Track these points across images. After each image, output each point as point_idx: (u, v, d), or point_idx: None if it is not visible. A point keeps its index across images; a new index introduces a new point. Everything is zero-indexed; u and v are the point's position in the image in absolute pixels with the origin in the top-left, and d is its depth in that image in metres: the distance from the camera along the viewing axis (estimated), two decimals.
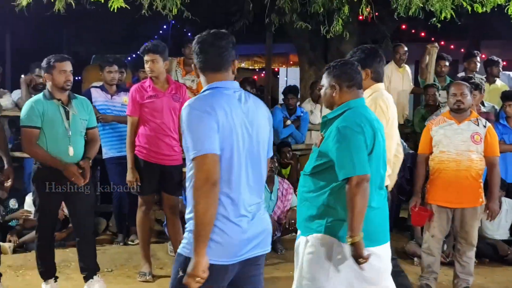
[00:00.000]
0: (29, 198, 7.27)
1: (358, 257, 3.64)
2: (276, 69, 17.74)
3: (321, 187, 3.82)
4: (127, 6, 7.57)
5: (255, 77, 18.54)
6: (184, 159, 6.19)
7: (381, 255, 3.87)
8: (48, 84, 5.48)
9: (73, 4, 7.87)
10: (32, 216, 7.12)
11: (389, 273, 4.00)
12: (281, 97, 15.61)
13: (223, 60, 3.32)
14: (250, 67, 18.29)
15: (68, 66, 5.47)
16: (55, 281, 5.69)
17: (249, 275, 3.40)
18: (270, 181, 7.36)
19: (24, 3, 7.66)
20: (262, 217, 3.38)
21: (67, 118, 5.44)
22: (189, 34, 16.68)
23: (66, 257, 6.39)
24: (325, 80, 3.94)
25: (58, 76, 5.43)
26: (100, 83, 7.79)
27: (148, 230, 6.43)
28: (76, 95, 5.69)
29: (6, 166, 5.65)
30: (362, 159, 3.66)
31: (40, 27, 16.56)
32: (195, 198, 3.08)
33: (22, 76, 7.80)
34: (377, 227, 3.85)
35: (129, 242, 7.42)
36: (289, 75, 17.64)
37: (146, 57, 6.04)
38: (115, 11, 7.54)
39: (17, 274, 6.22)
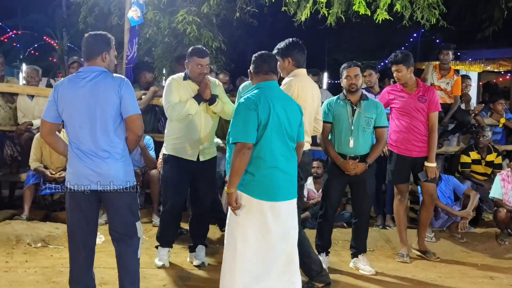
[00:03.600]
0: None
1: (230, 204, 4.08)
2: None
3: None
4: (391, 18, 7.56)
5: (500, 79, 17.46)
6: None
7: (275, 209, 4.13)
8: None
9: (343, 18, 8.04)
10: (304, 200, 7.40)
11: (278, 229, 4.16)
12: None
13: (90, 52, 4.06)
14: (496, 70, 17.23)
15: (354, 71, 5.59)
16: (327, 255, 5.79)
17: (107, 205, 4.12)
18: None
19: (303, 18, 7.99)
20: (105, 162, 4.00)
21: (353, 115, 5.55)
22: (438, 40, 16.18)
23: (334, 236, 6.48)
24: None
25: (344, 80, 5.64)
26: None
27: (404, 216, 6.33)
28: (368, 97, 5.73)
29: None
30: (248, 130, 4.00)
31: (305, 38, 17.11)
32: None
33: None
34: (268, 185, 4.11)
35: (387, 227, 7.36)
36: None
37: (392, 68, 6.09)
38: (380, 22, 7.57)
39: None
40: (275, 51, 4.93)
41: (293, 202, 4.30)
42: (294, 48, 4.93)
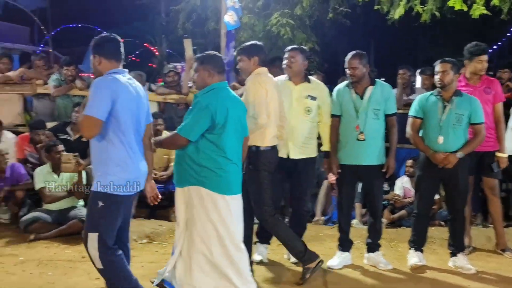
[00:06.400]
0: (399, 182, 7.40)
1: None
2: None
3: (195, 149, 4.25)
4: (488, 13, 7.30)
5: None
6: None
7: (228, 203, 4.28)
8: None
9: (437, 15, 7.84)
10: (401, 199, 7.28)
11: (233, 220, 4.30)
12: None
13: (122, 54, 4.00)
14: None
15: (441, 67, 5.41)
16: (421, 252, 5.66)
17: (129, 206, 4.11)
18: None
19: (396, 16, 7.86)
20: (144, 163, 4.04)
21: (443, 112, 5.39)
22: None
23: (432, 234, 6.33)
24: (198, 67, 4.37)
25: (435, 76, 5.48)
26: None
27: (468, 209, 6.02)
28: (463, 93, 5.50)
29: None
30: (194, 128, 4.15)
31: (398, 35, 16.77)
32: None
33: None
34: (231, 179, 4.29)
35: (489, 225, 7.09)
36: None
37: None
38: (477, 18, 7.34)
39: (391, 245, 6.35)
40: (238, 50, 5.09)
41: None
42: (260, 47, 5.04)
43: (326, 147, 5.49)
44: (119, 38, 4.06)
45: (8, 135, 7.51)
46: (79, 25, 20.85)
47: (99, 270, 3.95)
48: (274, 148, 4.97)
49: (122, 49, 4.04)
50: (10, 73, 8.03)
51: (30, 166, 7.23)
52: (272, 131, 4.89)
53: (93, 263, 3.93)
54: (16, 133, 7.70)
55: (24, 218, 6.41)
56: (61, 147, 6.58)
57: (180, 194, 4.38)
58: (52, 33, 21.38)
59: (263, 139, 4.83)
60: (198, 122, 4.17)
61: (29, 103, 8.27)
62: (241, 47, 5.12)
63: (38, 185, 6.56)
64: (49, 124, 7.54)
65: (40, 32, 23.04)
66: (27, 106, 8.25)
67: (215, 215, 4.25)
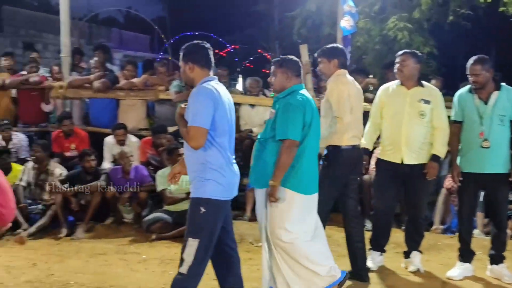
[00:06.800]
0: None
1: (271, 196, 4.21)
2: None
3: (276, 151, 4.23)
4: None
5: None
6: None
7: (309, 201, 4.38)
8: None
9: None
10: None
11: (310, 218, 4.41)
12: None
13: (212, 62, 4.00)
14: None
15: None
16: None
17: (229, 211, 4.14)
18: None
19: None
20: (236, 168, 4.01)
21: None
22: None
23: None
24: (276, 71, 4.42)
25: None
26: None
27: None
28: None
29: None
30: (296, 128, 4.17)
31: None
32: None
33: None
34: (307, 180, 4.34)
35: None
36: None
37: None
38: None
39: None
40: (319, 52, 5.11)
41: None
42: (341, 50, 5.12)
43: (434, 150, 5.25)
44: (209, 45, 4.07)
45: (132, 138, 7.90)
46: (197, 33, 21.54)
47: (179, 275, 3.87)
48: (355, 148, 4.97)
49: (212, 57, 4.01)
50: (135, 80, 8.42)
51: (152, 168, 7.56)
52: (353, 131, 4.91)
53: (180, 264, 3.86)
54: (140, 137, 8.08)
55: (147, 218, 6.72)
56: (182, 150, 6.81)
57: (260, 194, 4.42)
58: (171, 41, 22.23)
59: (342, 138, 4.86)
60: (295, 122, 4.20)
61: (151, 108, 8.65)
62: (321, 49, 5.16)
63: (159, 187, 6.85)
64: (170, 129, 7.82)
65: (159, 40, 24.08)
66: (150, 111, 8.63)
67: (295, 213, 4.28)
